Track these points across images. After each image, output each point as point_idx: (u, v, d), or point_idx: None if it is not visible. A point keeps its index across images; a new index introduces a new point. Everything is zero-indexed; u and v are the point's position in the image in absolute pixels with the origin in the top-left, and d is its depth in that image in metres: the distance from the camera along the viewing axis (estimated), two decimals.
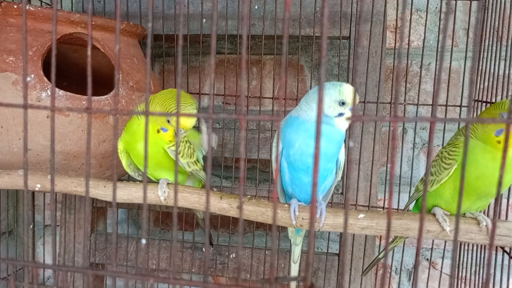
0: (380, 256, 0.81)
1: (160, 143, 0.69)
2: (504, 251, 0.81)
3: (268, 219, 0.67)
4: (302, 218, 0.65)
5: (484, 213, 0.72)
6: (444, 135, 0.98)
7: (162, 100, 0.67)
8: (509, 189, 0.80)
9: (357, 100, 0.66)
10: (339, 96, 0.62)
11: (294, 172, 0.67)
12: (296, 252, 0.79)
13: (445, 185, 0.66)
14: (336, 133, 0.65)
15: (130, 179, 0.84)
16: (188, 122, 0.64)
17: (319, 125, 0.31)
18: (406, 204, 0.79)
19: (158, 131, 0.67)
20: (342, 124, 0.64)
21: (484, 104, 0.89)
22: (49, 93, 0.73)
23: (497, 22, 0.87)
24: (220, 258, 1.07)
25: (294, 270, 0.82)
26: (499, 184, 0.34)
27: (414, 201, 0.77)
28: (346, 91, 0.62)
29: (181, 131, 0.66)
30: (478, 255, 0.89)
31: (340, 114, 0.63)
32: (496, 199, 0.35)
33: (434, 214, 0.65)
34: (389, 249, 0.83)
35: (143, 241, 0.43)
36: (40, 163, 0.76)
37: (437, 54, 1.01)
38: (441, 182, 0.65)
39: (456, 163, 0.63)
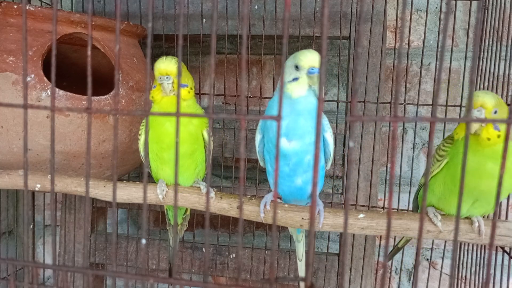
0: (399, 245, 0.82)
1: (199, 126, 0.68)
2: (504, 251, 0.81)
3: (268, 219, 0.67)
4: (302, 218, 0.66)
5: (488, 215, 0.71)
6: (444, 135, 0.98)
7: None
8: None
9: (316, 63, 0.60)
10: (294, 61, 0.61)
11: (274, 162, 0.66)
12: (300, 248, 0.79)
13: (436, 179, 0.66)
14: (296, 102, 0.61)
15: (130, 179, 0.84)
16: (169, 67, 0.65)
17: (319, 125, 0.31)
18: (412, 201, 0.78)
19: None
20: (296, 90, 0.61)
21: None
22: (49, 93, 0.73)
23: (497, 22, 0.87)
24: (220, 258, 1.07)
25: (301, 269, 0.81)
26: (499, 184, 0.34)
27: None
28: (301, 55, 0.61)
29: (167, 78, 0.66)
30: (478, 255, 0.89)
31: (294, 79, 0.61)
32: (496, 199, 0.35)
33: (426, 212, 0.65)
34: (402, 246, 0.83)
35: (143, 241, 0.43)
36: (40, 163, 0.76)
37: (437, 54, 1.01)
38: (433, 174, 0.65)
39: (447, 157, 0.63)
